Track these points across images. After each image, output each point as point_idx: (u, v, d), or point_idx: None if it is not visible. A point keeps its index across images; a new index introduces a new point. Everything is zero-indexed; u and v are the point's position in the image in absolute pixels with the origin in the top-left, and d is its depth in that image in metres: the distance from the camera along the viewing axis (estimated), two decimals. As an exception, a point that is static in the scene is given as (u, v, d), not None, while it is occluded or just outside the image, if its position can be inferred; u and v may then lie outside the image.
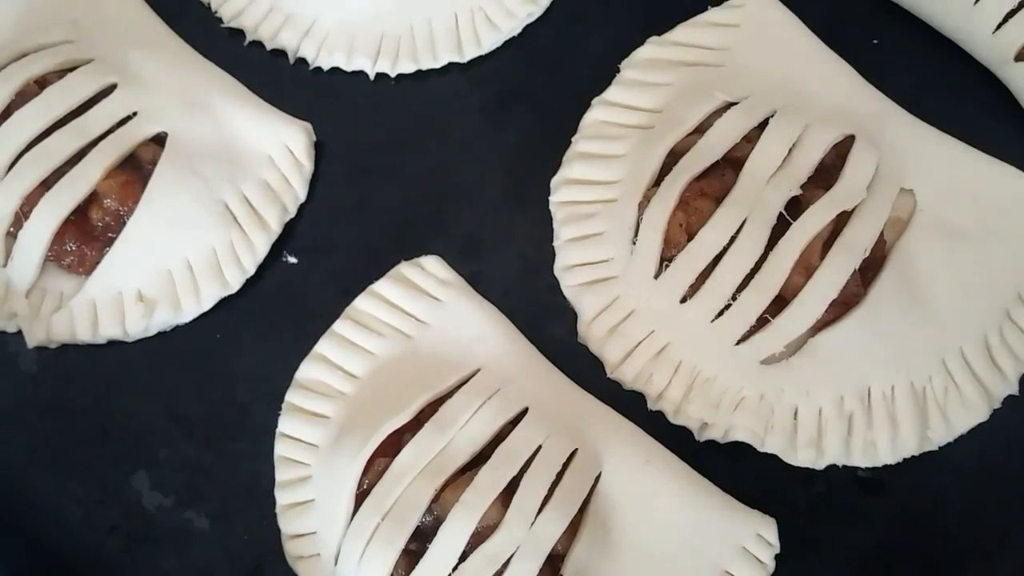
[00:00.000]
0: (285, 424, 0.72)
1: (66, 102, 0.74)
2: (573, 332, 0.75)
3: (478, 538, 0.63)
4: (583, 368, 0.74)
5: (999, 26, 0.76)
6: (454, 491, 0.65)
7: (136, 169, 0.75)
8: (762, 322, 0.69)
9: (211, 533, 0.72)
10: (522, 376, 0.72)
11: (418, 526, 0.64)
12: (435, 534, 0.63)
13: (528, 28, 0.83)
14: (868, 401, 0.70)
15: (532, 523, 0.63)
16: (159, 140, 0.77)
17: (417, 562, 0.63)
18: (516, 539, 0.63)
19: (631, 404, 0.72)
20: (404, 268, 0.76)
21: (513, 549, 0.62)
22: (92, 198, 0.74)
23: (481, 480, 0.64)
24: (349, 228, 0.79)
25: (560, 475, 0.66)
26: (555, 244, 0.77)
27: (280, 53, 0.84)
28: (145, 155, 0.76)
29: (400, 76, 0.82)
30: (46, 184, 0.73)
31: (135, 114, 0.76)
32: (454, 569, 0.62)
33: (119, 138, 0.75)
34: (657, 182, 0.73)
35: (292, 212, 0.78)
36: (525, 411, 0.69)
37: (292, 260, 0.78)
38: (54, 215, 0.72)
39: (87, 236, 0.74)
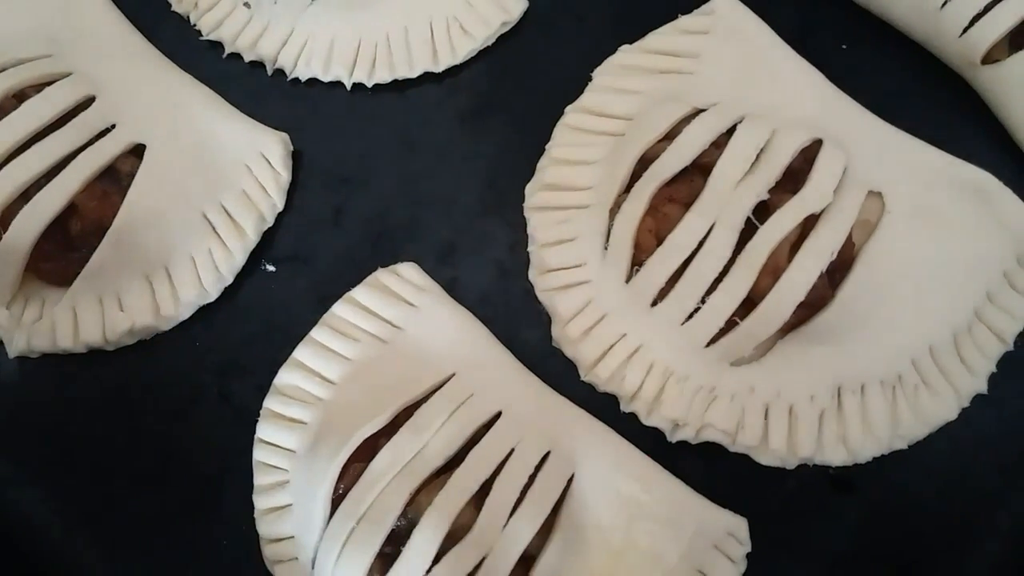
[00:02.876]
0: (263, 430, 0.73)
1: (44, 115, 0.75)
2: (548, 336, 0.76)
3: (451, 540, 0.64)
4: (557, 371, 0.74)
5: (965, 29, 0.76)
6: (428, 495, 0.65)
7: (115, 181, 0.76)
8: (731, 325, 0.70)
9: (190, 538, 0.72)
10: (496, 380, 0.72)
11: (393, 529, 0.65)
12: (409, 537, 0.64)
13: (502, 38, 0.84)
14: (839, 400, 0.71)
15: (504, 525, 0.64)
16: (137, 152, 0.78)
17: (392, 565, 0.64)
18: (488, 541, 0.63)
19: (605, 407, 0.73)
20: (381, 275, 0.77)
21: (485, 551, 0.63)
22: (71, 210, 0.74)
23: (454, 483, 0.65)
24: (326, 237, 0.80)
25: (533, 477, 0.67)
26: (530, 249, 0.78)
27: (258, 65, 0.85)
28: (123, 167, 0.77)
29: (377, 86, 0.83)
30: (25, 196, 0.73)
31: (113, 126, 0.77)
32: (428, 572, 0.63)
33: (97, 150, 0.76)
34: (628, 188, 0.74)
35: (270, 221, 0.79)
36: (499, 415, 0.70)
37: (270, 268, 0.79)
38: (33, 227, 0.73)
39: (67, 247, 0.75)
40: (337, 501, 0.67)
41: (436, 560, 0.63)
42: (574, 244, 0.76)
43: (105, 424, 0.76)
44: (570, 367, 0.75)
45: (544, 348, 0.76)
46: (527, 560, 0.65)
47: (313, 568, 0.68)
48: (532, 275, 0.77)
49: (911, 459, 0.71)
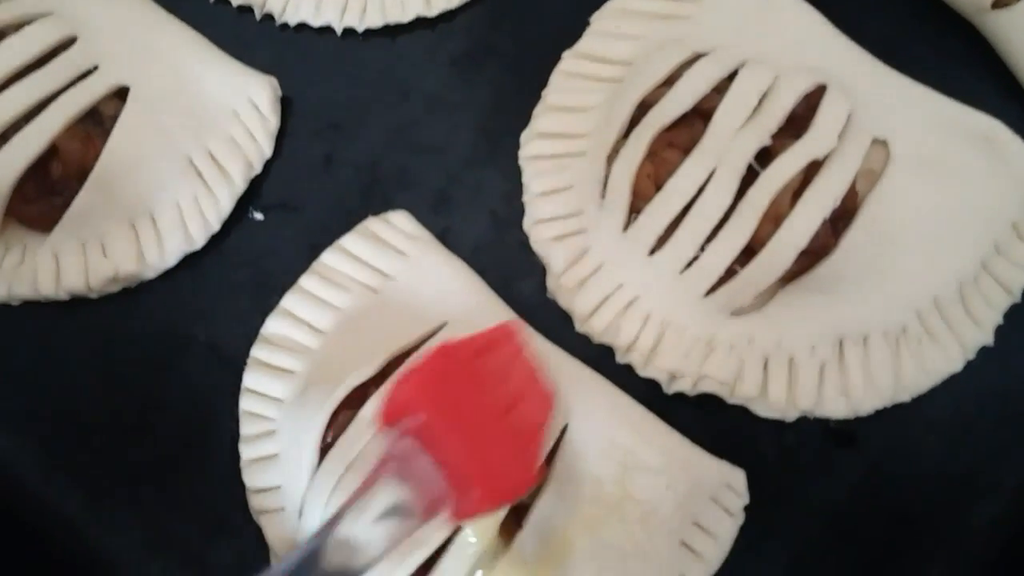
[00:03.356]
0: (250, 379, 0.71)
1: (24, 54, 0.73)
2: (543, 287, 0.74)
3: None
4: (552, 323, 0.72)
5: (975, -27, 0.75)
6: (417, 443, 0.64)
7: (97, 123, 0.74)
8: (731, 273, 0.68)
9: (174, 488, 0.71)
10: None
11: (382, 480, 0.63)
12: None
13: (497, -19, 0.82)
14: (840, 351, 0.69)
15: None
16: (121, 94, 0.75)
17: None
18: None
19: (600, 359, 0.71)
20: (371, 223, 0.75)
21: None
22: (52, 152, 0.72)
23: (443, 433, 0.63)
24: (316, 185, 0.78)
25: (526, 428, 0.65)
26: (525, 198, 0.76)
27: (247, 9, 0.82)
28: (106, 109, 0.75)
29: (368, 31, 0.81)
30: (4, 138, 0.71)
31: (96, 68, 0.75)
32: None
33: (80, 91, 0.73)
34: (626, 134, 0.72)
35: (258, 168, 0.77)
36: (491, 364, 0.68)
37: (258, 216, 0.77)
38: (13, 168, 0.71)
39: (48, 191, 0.73)
40: (325, 450, 0.65)
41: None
42: (570, 193, 0.74)
43: (88, 373, 0.74)
44: (565, 318, 0.73)
45: (538, 299, 0.74)
46: (519, 510, 0.63)
47: (300, 518, 0.66)
48: (527, 225, 0.75)
49: (913, 412, 0.69)
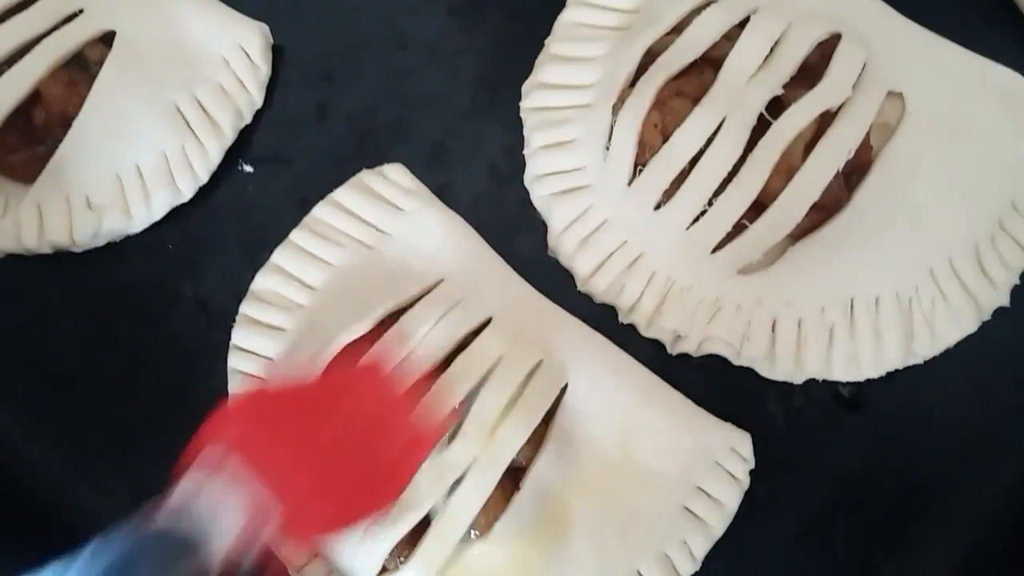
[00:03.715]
0: (239, 336, 0.69)
1: (6, -4, 0.71)
2: (543, 245, 0.71)
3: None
4: (553, 282, 0.70)
5: (998, -80, 0.71)
6: (412, 402, 0.62)
7: (82, 69, 0.72)
8: (740, 228, 0.66)
9: (161, 448, 0.68)
10: (486, 286, 0.68)
11: (374, 439, 0.61)
12: (390, 445, 0.60)
13: (500, -75, 0.79)
14: (851, 312, 0.66)
15: (491, 434, 0.60)
16: (107, 40, 0.73)
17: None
18: (472, 449, 0.60)
19: (602, 318, 0.69)
20: (366, 176, 0.72)
21: (469, 460, 0.60)
22: (35, 99, 0.70)
23: (438, 389, 0.61)
24: (308, 136, 0.75)
25: (524, 387, 0.63)
26: (526, 152, 0.73)
27: (238, -46, 0.79)
28: (92, 54, 0.72)
29: (364, -23, 0.78)
30: (-15, 82, 0.69)
31: (81, 11, 0.72)
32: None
33: (64, 35, 0.71)
34: (633, 84, 0.69)
35: (248, 118, 0.74)
36: (489, 321, 0.66)
37: (248, 169, 0.75)
38: (-5, 114, 0.68)
39: (31, 139, 0.71)
40: (315, 410, 0.63)
41: (419, 469, 0.59)
42: (573, 146, 0.71)
43: (73, 329, 0.71)
44: (566, 277, 0.70)
45: (539, 257, 0.71)
46: (516, 472, 0.61)
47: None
48: (527, 180, 0.72)
49: (926, 376, 0.67)
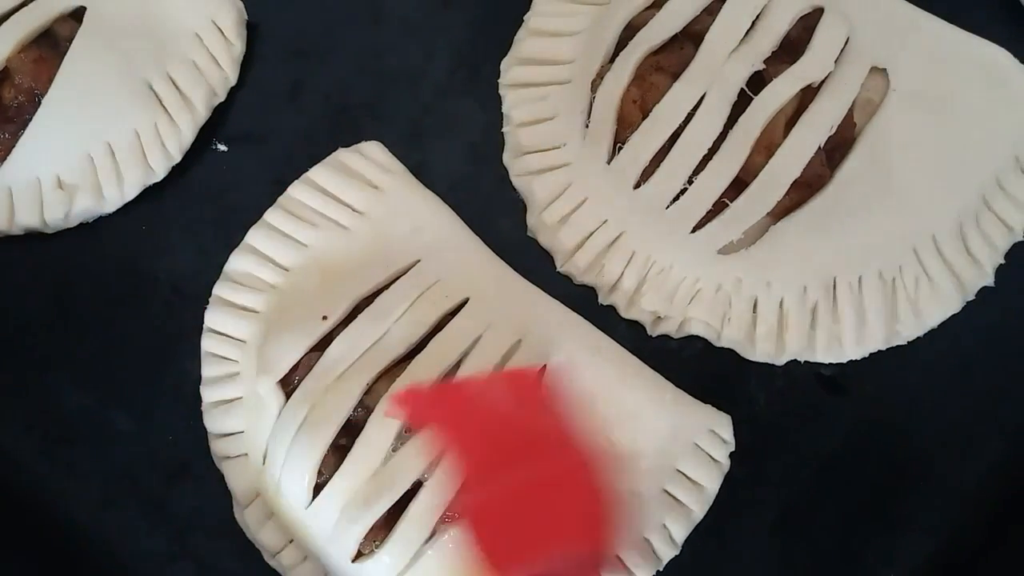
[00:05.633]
0: (212, 318, 0.67)
1: (-29, -29, 0.69)
2: (523, 225, 0.70)
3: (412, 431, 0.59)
4: (532, 262, 0.69)
5: None
6: (386, 383, 0.61)
7: (52, 45, 0.70)
8: (720, 207, 0.65)
9: (134, 433, 0.68)
10: (464, 267, 0.67)
11: (350, 420, 0.60)
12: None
13: (478, -102, 0.77)
14: (833, 292, 0.66)
15: (469, 415, 0.59)
16: (77, 15, 0.71)
17: (346, 457, 0.59)
18: (450, 432, 0.59)
19: (582, 300, 0.68)
20: (341, 154, 0.71)
21: (446, 441, 0.58)
22: (3, 75, 0.69)
23: (412, 370, 0.60)
24: (283, 114, 0.74)
25: (501, 368, 0.62)
26: (504, 130, 0.72)
27: (212, -72, 0.78)
28: (62, 30, 0.71)
29: (340, -50, 0.77)
30: (-50, 60, 0.67)
31: (50, -14, 0.71)
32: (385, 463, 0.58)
33: (33, 11, 0.70)
34: (612, 59, 0.68)
35: (221, 96, 0.73)
36: (466, 302, 0.65)
37: (222, 148, 0.73)
38: (-40, 92, 0.67)
39: (0, 117, 0.69)
40: (290, 393, 0.62)
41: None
42: (553, 123, 0.70)
43: (45, 312, 0.70)
44: (546, 257, 0.70)
45: (518, 237, 0.70)
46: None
47: (264, 463, 0.63)
48: (506, 158, 0.72)
49: (909, 357, 0.66)
